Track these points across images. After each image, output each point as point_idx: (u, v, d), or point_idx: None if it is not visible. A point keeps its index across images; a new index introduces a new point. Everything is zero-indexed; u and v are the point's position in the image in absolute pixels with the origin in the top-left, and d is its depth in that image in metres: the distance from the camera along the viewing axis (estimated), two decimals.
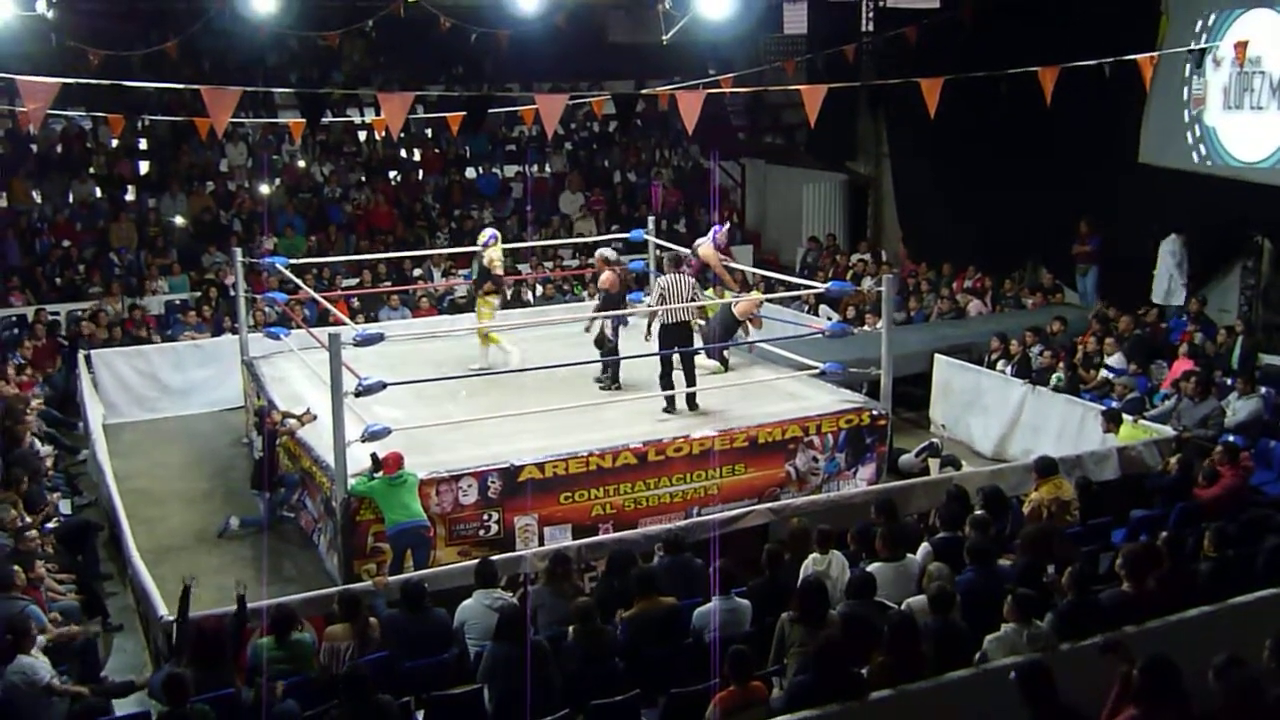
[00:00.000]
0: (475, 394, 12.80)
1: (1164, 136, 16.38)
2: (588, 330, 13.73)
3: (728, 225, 15.57)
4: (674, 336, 12.58)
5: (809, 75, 20.34)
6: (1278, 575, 8.38)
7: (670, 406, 12.52)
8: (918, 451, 13.40)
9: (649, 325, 13.17)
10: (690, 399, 12.59)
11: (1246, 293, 15.89)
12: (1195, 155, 15.94)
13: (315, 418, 11.78)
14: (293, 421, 11.94)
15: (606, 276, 13.54)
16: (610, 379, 13.32)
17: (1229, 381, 13.38)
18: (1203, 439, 12.09)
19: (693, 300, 12.70)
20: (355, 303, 17.84)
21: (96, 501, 12.83)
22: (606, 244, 18.55)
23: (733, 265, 15.33)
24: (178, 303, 18.42)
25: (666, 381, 12.56)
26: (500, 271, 14.20)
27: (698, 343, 13.53)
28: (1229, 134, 15.43)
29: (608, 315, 13.24)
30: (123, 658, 9.87)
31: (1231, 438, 11.86)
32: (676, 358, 12.60)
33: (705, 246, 14.30)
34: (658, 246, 16.78)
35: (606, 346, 13.26)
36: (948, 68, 12.83)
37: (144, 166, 22.15)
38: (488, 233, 14.42)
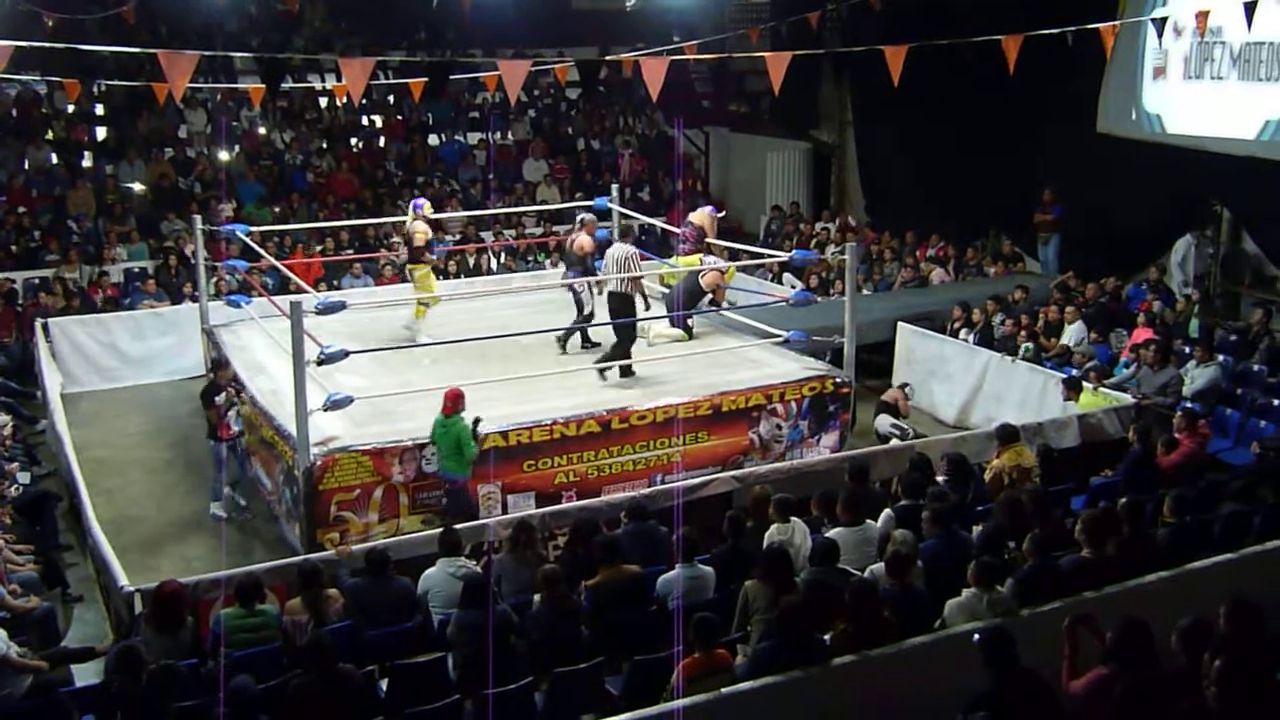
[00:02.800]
0: (439, 362, 12.75)
1: (1123, 106, 16.46)
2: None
3: (723, 212, 15.66)
4: (614, 305, 12.59)
5: (773, 42, 20.25)
6: (1234, 541, 8.51)
7: (602, 374, 12.56)
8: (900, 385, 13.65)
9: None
10: (625, 368, 12.56)
11: (1205, 261, 16.03)
12: (1155, 124, 16.04)
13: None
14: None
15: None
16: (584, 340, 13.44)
17: (1187, 349, 13.53)
18: (1162, 406, 12.21)
19: (628, 272, 12.52)
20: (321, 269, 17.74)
21: (56, 472, 12.71)
22: (572, 212, 18.62)
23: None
24: (137, 271, 18.22)
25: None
26: (420, 243, 13.81)
27: (658, 310, 13.54)
28: (1189, 104, 15.52)
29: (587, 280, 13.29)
30: (83, 628, 9.81)
31: (1189, 405, 12.00)
32: (613, 327, 12.61)
33: (700, 214, 14.27)
34: (622, 214, 16.74)
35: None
36: (912, 35, 12.80)
37: (101, 132, 21.86)
38: (414, 201, 14.38)
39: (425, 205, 14.14)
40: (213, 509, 11.91)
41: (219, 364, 12.56)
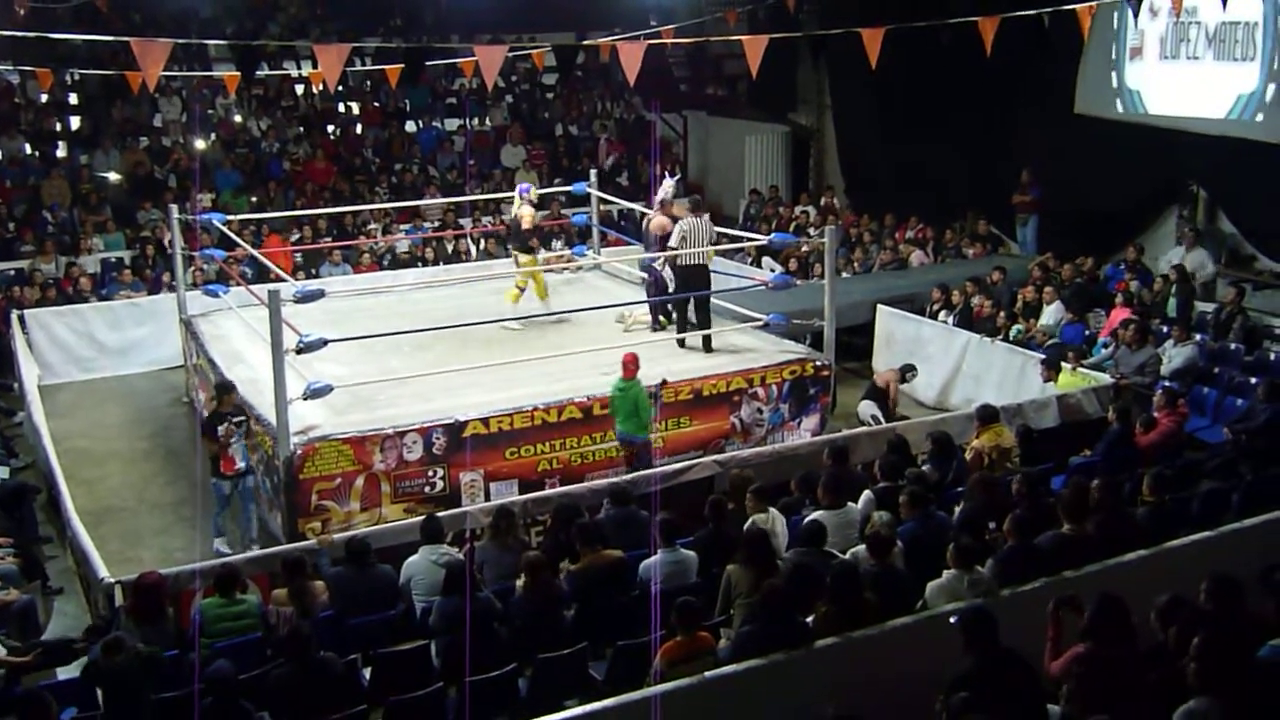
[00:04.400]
0: (419, 349, 12.71)
1: (1100, 87, 16.49)
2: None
3: (678, 175, 15.51)
4: (692, 278, 12.89)
5: (750, 25, 20.23)
6: (1212, 519, 8.56)
7: (681, 343, 13.01)
8: (902, 367, 13.70)
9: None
10: (705, 341, 12.93)
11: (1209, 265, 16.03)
12: (1131, 105, 16.07)
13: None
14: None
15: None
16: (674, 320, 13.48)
17: (1165, 329, 13.58)
18: (1140, 386, 12.27)
19: (714, 244, 12.89)
20: (299, 259, 17.66)
21: (34, 463, 12.63)
22: (552, 198, 18.55)
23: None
24: (113, 260, 18.10)
25: (683, 321, 13.15)
26: (527, 226, 13.87)
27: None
28: (1165, 84, 15.55)
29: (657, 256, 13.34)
30: (63, 621, 9.76)
31: (1168, 384, 12.06)
32: (693, 299, 13.00)
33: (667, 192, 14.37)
34: (600, 200, 16.72)
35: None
36: (889, 18, 12.80)
37: (75, 121, 21.68)
38: (520, 186, 14.33)
39: (532, 189, 14.21)
40: (216, 544, 10.89)
41: (223, 388, 11.27)
